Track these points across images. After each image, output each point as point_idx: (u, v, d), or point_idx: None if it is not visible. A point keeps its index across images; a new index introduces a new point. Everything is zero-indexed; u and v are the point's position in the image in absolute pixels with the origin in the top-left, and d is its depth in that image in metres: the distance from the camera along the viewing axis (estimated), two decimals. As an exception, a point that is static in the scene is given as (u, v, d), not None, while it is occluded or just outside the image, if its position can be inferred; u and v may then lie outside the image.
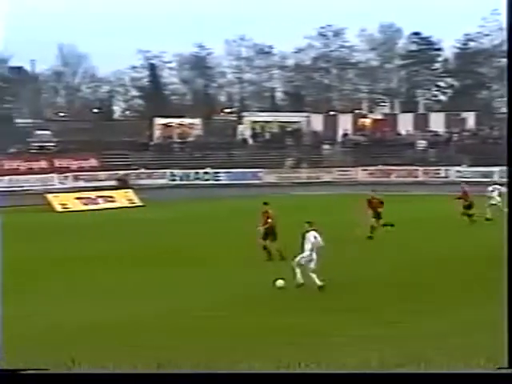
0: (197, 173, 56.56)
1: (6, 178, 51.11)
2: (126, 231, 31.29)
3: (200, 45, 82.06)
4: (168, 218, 34.22)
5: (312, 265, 18.69)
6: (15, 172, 52.91)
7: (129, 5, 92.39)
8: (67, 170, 54.56)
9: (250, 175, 56.53)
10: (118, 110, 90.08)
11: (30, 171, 53.71)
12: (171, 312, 16.77)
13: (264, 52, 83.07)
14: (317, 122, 66.32)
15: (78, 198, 43.23)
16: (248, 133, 65.37)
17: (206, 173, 56.71)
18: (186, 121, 67.14)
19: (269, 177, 57.17)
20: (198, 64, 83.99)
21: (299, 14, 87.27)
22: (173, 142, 63.73)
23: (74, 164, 55.92)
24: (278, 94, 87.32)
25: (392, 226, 27.40)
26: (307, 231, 19.10)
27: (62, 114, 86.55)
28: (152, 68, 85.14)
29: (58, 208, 41.31)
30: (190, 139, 64.16)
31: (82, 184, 52.04)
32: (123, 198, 44.44)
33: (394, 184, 51.18)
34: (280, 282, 18.50)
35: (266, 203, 24.57)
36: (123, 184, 50.41)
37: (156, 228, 31.83)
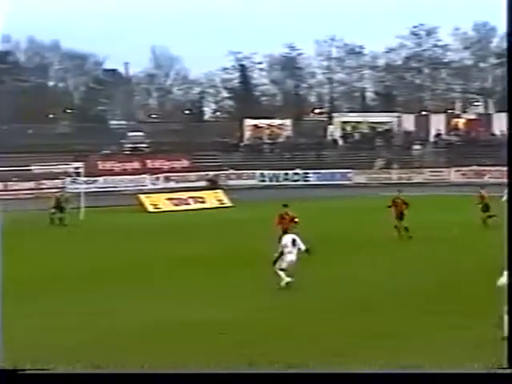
0: (286, 174, 56.69)
1: (101, 178, 52.39)
2: (218, 232, 31.59)
3: (290, 45, 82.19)
4: (257, 219, 34.34)
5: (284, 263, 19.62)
6: (109, 173, 54.19)
7: (220, 6, 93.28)
8: (159, 170, 55.51)
9: (339, 176, 56.32)
10: (208, 111, 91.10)
11: (124, 172, 54.89)
12: (273, 310, 17.06)
13: (355, 52, 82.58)
14: (408, 122, 65.55)
15: (169, 199, 43.88)
16: (338, 133, 65.13)
17: (295, 173, 56.78)
18: (276, 122, 67.38)
19: (358, 177, 56.83)
20: (289, 65, 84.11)
21: (391, 13, 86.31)
22: (263, 142, 64.05)
23: (166, 165, 56.87)
24: (369, 94, 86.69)
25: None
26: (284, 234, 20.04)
27: (154, 116, 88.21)
28: (242, 69, 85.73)
29: (150, 208, 42.03)
30: (280, 140, 64.36)
31: (172, 185, 52.87)
32: (213, 199, 44.90)
33: (487, 185, 50.08)
34: None
35: (285, 205, 24.90)
36: (213, 185, 50.99)
37: (247, 229, 32.07)
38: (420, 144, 61.62)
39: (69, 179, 49.05)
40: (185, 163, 57.16)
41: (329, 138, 65.37)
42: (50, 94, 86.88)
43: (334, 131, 65.48)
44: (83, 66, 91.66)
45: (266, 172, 56.71)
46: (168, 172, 55.34)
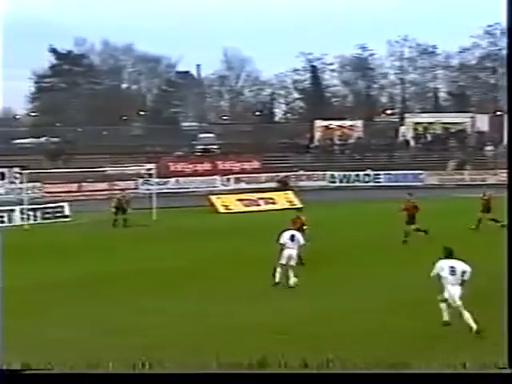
0: (357, 175, 56.41)
1: (172, 179, 53.05)
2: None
3: (362, 46, 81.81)
4: (327, 220, 34.34)
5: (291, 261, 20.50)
6: (181, 174, 54.80)
7: (291, 7, 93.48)
8: (230, 171, 55.89)
9: (411, 177, 55.76)
10: (279, 112, 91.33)
11: (195, 173, 55.46)
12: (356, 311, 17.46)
13: (427, 52, 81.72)
14: (482, 123, 64.50)
15: (239, 200, 44.14)
16: (410, 134, 64.50)
17: (366, 175, 56.46)
18: (347, 123, 67.11)
19: (431, 178, 56.19)
20: (360, 65, 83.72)
21: (465, 12, 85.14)
22: (333, 143, 63.88)
23: (237, 166, 57.22)
24: (442, 95, 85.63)
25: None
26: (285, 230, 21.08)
27: (225, 117, 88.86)
28: (314, 70, 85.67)
29: (221, 209, 42.35)
30: (351, 141, 64.09)
31: (243, 186, 53.17)
32: (283, 200, 44.97)
33: None
34: None
35: (299, 209, 25.81)
36: (283, 186, 51.11)
37: (316, 229, 32.07)
38: (493, 145, 60.56)
39: (141, 180, 49.86)
40: (255, 164, 57.42)
41: (400, 138, 64.79)
42: (124, 97, 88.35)
43: (406, 132, 64.87)
44: (156, 68, 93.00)
45: (336, 173, 56.51)
46: (238, 173, 55.67)
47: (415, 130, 65.15)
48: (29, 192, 42.69)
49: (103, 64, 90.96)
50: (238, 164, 57.38)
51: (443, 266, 15.57)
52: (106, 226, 34.72)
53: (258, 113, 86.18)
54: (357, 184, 55.57)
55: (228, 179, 54.41)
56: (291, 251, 20.59)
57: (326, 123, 65.73)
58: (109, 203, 37.04)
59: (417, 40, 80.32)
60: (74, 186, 49.39)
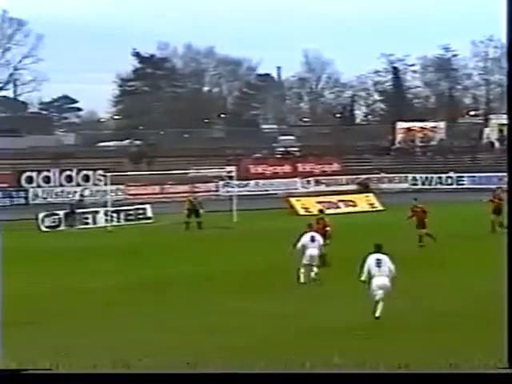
0: (439, 177, 55.64)
1: (253, 181, 53.38)
2: (368, 235, 31.35)
3: (445, 47, 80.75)
4: (408, 223, 33.95)
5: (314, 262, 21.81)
6: (261, 176, 55.09)
7: (372, 8, 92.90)
8: (310, 174, 55.88)
9: (496, 180, 54.62)
10: (359, 114, 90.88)
11: (275, 175, 55.65)
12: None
13: (513, 52, 79.99)
14: None
15: (319, 202, 44.03)
16: (494, 136, 63.28)
17: (448, 177, 55.64)
18: (429, 124, 66.29)
19: (516, 181, 54.98)
20: (443, 66, 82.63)
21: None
22: (415, 145, 63.19)
23: (317, 168, 57.16)
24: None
25: None
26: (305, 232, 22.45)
27: (305, 120, 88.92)
28: (395, 72, 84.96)
29: (301, 211, 42.37)
30: (433, 143, 63.27)
31: (323, 188, 53.07)
32: (364, 203, 44.71)
33: None
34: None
35: (321, 211, 27.35)
36: (364, 188, 50.80)
37: (397, 232, 31.77)
38: None
39: (222, 183, 50.33)
40: (335, 166, 57.24)
41: (485, 140, 63.64)
42: (205, 99, 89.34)
43: (491, 134, 63.66)
44: (237, 71, 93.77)
45: (418, 175, 55.86)
46: (319, 175, 55.60)
47: (500, 131, 63.86)
48: (112, 194, 43.59)
49: (185, 67, 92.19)
50: (318, 166, 57.30)
51: (371, 259, 17.56)
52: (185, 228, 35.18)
53: (338, 115, 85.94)
54: (439, 186, 54.80)
55: (308, 181, 54.41)
56: (312, 251, 21.92)
57: (407, 125, 65.09)
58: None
59: (502, 40, 78.83)
60: (157, 188, 50.15)
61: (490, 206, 31.46)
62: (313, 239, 22.14)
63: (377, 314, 16.99)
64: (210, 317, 17.64)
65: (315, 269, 21.66)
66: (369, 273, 17.38)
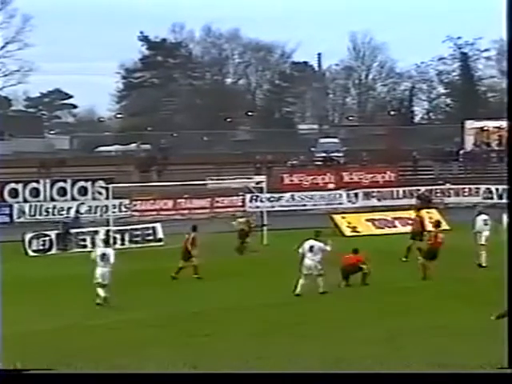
0: (520, 189, 55.30)
1: (287, 194, 53.34)
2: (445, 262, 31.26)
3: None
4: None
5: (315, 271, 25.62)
6: (297, 188, 55.05)
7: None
8: (358, 185, 55.79)
9: None
10: (420, 111, 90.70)
11: (315, 187, 55.62)
12: None
13: None
14: None
15: (369, 220, 43.94)
16: None
17: (531, 189, 55.27)
18: (507, 123, 66.01)
19: None
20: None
21: None
22: (489, 150, 62.94)
23: (367, 178, 57.07)
24: None
25: None
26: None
27: (351, 118, 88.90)
28: (464, 58, 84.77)
29: (347, 232, 42.26)
30: (512, 146, 63.00)
31: (374, 203, 52.97)
32: (426, 221, 44.50)
33: None
34: None
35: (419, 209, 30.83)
36: (425, 203, 50.52)
37: (463, 258, 31.58)
38: None
39: (249, 196, 50.38)
40: (390, 176, 57.11)
41: None
42: (229, 94, 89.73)
43: None
44: (268, 58, 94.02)
45: (493, 187, 55.55)
46: (369, 187, 55.50)
47: None
48: (115, 210, 43.71)
49: (204, 54, 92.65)
50: (369, 176, 57.21)
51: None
52: (210, 252, 35.09)
53: (393, 112, 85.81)
54: (520, 201, 54.47)
55: (355, 194, 54.33)
56: (309, 261, 25.35)
57: (480, 124, 64.84)
58: (210, 223, 37.41)
59: None
60: (169, 203, 50.31)
61: None
62: (311, 249, 25.65)
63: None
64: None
65: (321, 283, 25.28)
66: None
